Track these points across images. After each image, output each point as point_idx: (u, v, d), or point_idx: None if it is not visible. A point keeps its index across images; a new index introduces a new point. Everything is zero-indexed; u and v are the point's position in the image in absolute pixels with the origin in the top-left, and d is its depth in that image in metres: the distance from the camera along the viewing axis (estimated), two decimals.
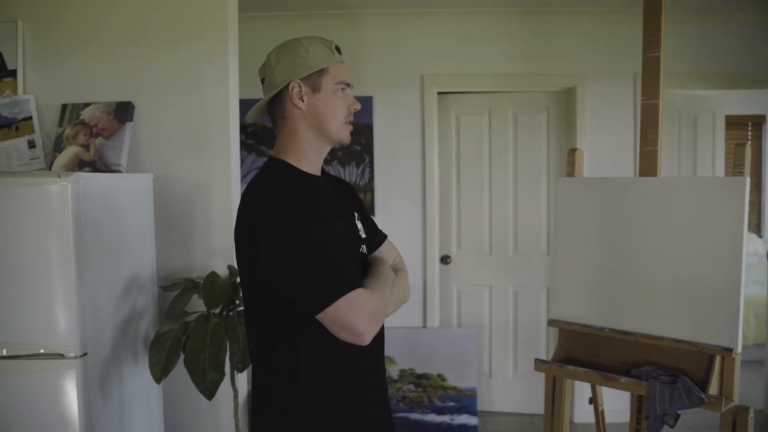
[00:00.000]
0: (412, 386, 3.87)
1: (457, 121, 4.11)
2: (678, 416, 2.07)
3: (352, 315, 1.28)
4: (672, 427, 2.08)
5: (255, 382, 1.48)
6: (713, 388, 2.07)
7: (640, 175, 2.35)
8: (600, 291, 2.36)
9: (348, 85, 1.48)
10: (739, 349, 2.06)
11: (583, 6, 3.74)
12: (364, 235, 1.55)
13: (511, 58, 3.87)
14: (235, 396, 2.53)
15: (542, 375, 4.05)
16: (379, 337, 1.49)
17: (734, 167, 2.11)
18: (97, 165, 2.59)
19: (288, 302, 1.33)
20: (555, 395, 2.50)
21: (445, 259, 4.14)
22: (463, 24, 3.86)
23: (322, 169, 1.56)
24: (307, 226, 1.31)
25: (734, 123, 5.13)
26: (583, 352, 2.40)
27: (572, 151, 2.51)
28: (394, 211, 3.94)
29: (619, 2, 3.68)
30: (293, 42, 1.47)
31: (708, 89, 3.90)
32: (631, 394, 2.45)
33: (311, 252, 1.30)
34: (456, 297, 4.20)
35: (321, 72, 1.44)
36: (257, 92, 3.79)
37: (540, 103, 4.01)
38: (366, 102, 3.82)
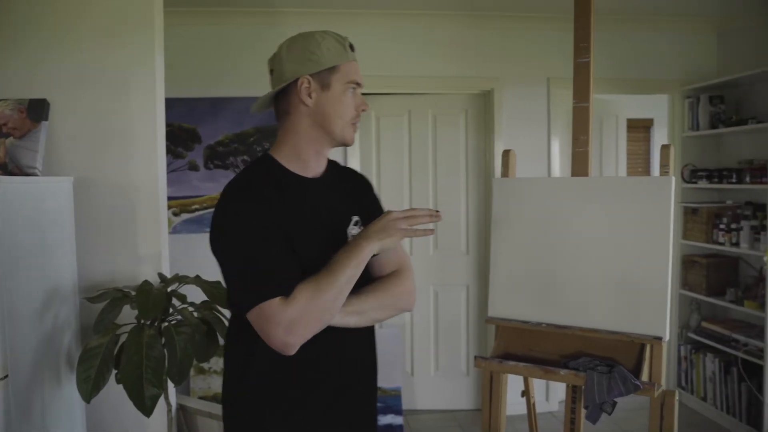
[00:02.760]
0: None
1: (377, 122, 4.13)
2: (615, 404, 2.18)
3: (266, 327, 1.26)
4: (610, 414, 2.18)
5: (223, 370, 1.49)
6: (645, 375, 2.19)
7: (573, 175, 2.45)
8: (537, 288, 2.44)
9: (359, 84, 1.44)
10: (667, 337, 2.19)
11: (501, 11, 3.86)
12: (352, 234, 1.46)
13: (432, 61, 3.94)
14: (169, 410, 2.41)
15: (462, 372, 4.21)
16: (340, 340, 1.41)
17: (661, 167, 2.24)
18: (9, 168, 2.37)
19: None
20: (492, 391, 2.55)
21: None
22: (384, 25, 3.88)
23: (333, 168, 1.51)
24: (248, 226, 1.29)
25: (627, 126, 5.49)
26: (520, 347, 2.46)
27: (506, 152, 2.57)
28: None
29: (535, 9, 3.84)
30: (306, 36, 1.42)
31: (613, 94, 4.13)
32: (567, 385, 2.55)
33: (241, 254, 1.29)
34: None
35: (332, 70, 1.40)
36: (183, 90, 3.61)
37: (459, 105, 4.10)
38: None
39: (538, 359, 2.39)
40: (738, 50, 4.04)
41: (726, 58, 4.14)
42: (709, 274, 3.94)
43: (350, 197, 1.52)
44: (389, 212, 1.40)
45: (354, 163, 3.93)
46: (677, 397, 2.18)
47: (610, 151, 4.36)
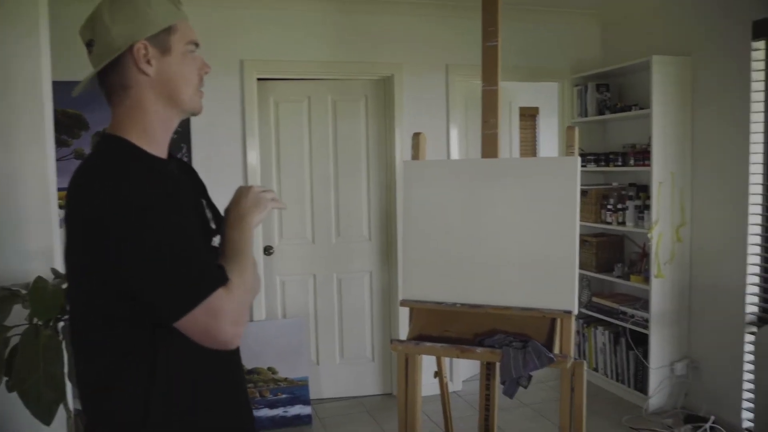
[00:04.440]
0: None
1: (277, 108, 4.02)
2: (530, 377, 2.25)
3: (215, 323, 1.12)
4: (526, 387, 2.24)
5: (91, 414, 1.23)
6: (556, 348, 2.28)
7: (483, 156, 2.50)
8: (449, 269, 2.46)
9: (197, 45, 1.28)
10: (576, 311, 2.29)
11: None
12: (213, 226, 1.37)
13: (331, 46, 3.88)
14: (70, 417, 2.23)
15: (368, 358, 4.21)
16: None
17: (567, 147, 2.33)
18: None
19: (142, 310, 1.14)
20: (408, 373, 2.56)
21: (267, 250, 4.04)
22: (283, 9, 3.78)
23: (170, 152, 1.35)
24: (162, 217, 1.12)
25: None
26: (435, 328, 2.48)
27: (416, 135, 2.58)
28: (215, 202, 3.73)
29: None
30: None
31: (508, 81, 4.25)
32: (481, 363, 2.61)
33: (166, 249, 1.11)
34: (280, 287, 4.12)
35: (169, 30, 1.22)
36: (66, 73, 3.33)
37: (359, 91, 4.07)
38: None
39: (454, 339, 2.42)
40: (621, 41, 4.29)
41: (610, 48, 4.38)
42: (598, 252, 4.17)
43: (192, 180, 1.41)
44: (249, 187, 1.36)
45: (253, 151, 3.81)
46: (586, 367, 2.30)
47: (504, 137, 4.49)
